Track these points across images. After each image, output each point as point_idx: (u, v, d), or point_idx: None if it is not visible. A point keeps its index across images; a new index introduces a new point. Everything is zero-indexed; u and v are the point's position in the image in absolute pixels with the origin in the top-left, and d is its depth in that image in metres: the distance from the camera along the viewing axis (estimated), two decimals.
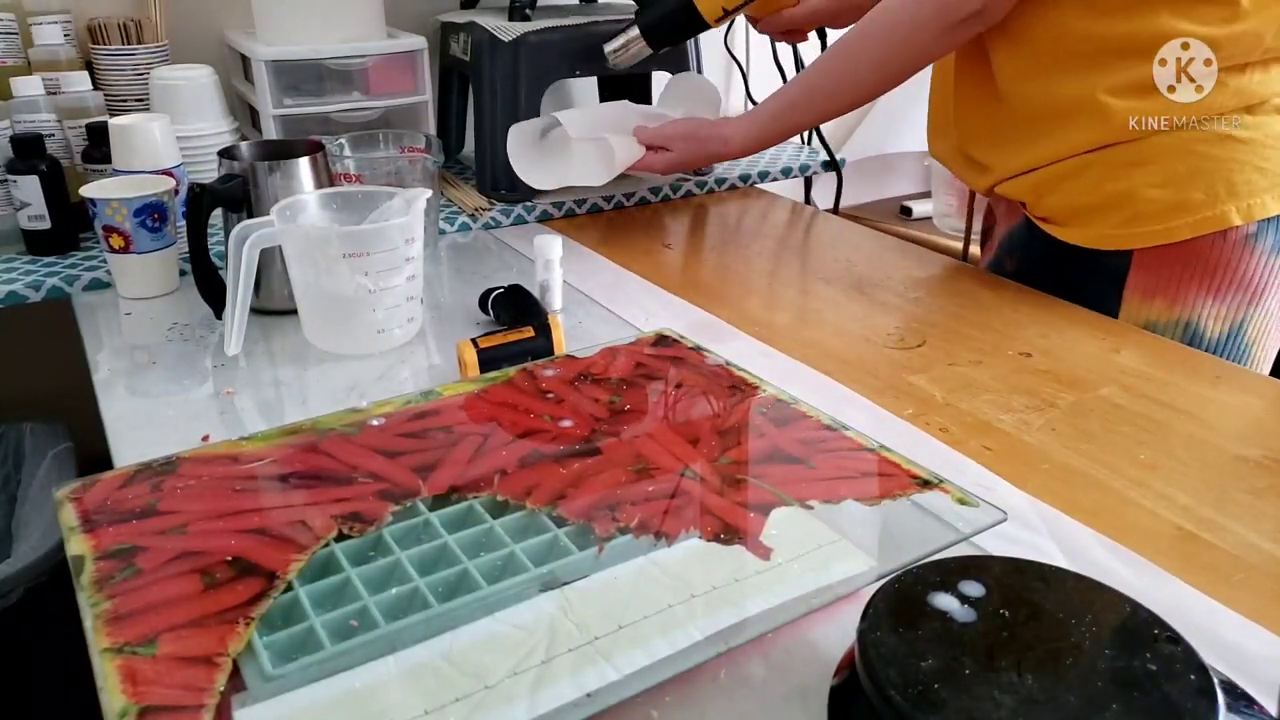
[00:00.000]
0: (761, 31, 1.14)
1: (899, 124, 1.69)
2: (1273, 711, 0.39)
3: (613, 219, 1.17)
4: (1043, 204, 0.90)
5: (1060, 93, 0.84)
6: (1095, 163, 0.84)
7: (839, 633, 0.48)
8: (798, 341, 0.82)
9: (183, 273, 0.94)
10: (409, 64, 1.17)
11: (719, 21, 1.03)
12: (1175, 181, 0.81)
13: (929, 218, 1.70)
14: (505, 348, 0.73)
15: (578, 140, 1.06)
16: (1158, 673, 0.37)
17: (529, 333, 0.75)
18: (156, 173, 0.94)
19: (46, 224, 0.98)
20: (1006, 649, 0.38)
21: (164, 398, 0.73)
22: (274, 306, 0.85)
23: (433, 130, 1.21)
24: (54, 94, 1.04)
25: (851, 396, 0.73)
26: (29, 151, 0.96)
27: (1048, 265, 0.93)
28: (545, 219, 1.15)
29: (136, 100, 1.13)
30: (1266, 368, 0.90)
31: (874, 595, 0.42)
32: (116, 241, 0.88)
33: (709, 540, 0.52)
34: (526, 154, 1.10)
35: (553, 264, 0.87)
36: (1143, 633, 0.39)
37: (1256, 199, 0.81)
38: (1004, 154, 0.91)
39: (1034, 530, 0.57)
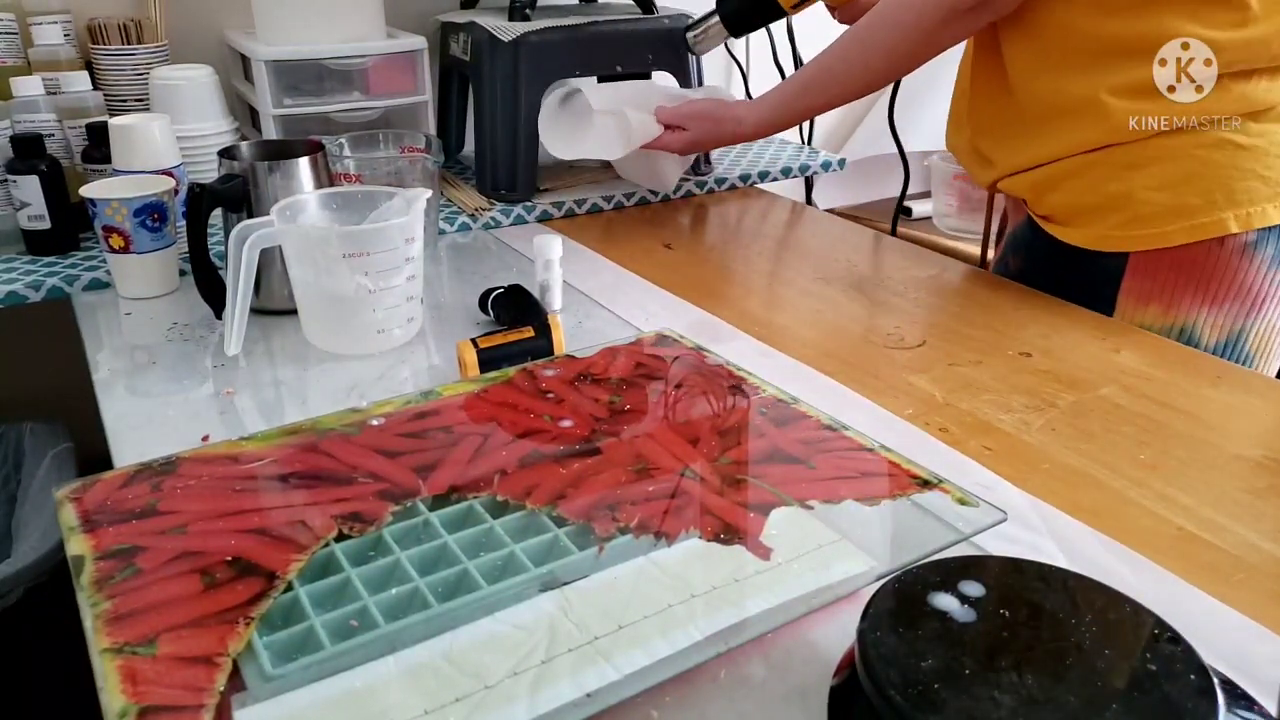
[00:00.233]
0: (841, 20, 1.13)
1: (899, 124, 1.68)
2: (1273, 711, 0.39)
3: (613, 219, 1.17)
4: (1044, 202, 0.90)
5: (1065, 90, 0.84)
6: (1096, 163, 0.84)
7: (839, 633, 0.48)
8: (798, 341, 0.82)
9: (183, 273, 0.94)
10: (409, 64, 1.17)
11: (795, 9, 1.06)
12: (1173, 185, 0.81)
13: (929, 217, 1.70)
14: (505, 348, 0.73)
15: (598, 113, 1.06)
16: (1158, 673, 0.37)
17: (529, 333, 0.75)
18: (156, 173, 0.94)
19: (46, 224, 0.98)
20: (1006, 649, 0.38)
21: (164, 398, 0.73)
22: (274, 306, 0.85)
23: (433, 130, 1.21)
24: (54, 94, 1.04)
25: (851, 396, 0.73)
26: (29, 151, 0.96)
27: (1048, 265, 0.94)
28: (545, 219, 1.15)
29: (136, 100, 1.13)
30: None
31: (874, 595, 0.42)
32: (116, 241, 0.88)
33: (709, 540, 0.52)
34: (548, 118, 1.10)
35: (553, 264, 0.87)
36: (1143, 632, 0.39)
37: (1256, 207, 0.80)
38: (1009, 149, 0.91)
39: (1034, 530, 0.57)
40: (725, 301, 0.91)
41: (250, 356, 0.79)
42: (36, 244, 0.99)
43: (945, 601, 0.41)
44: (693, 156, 1.23)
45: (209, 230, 0.81)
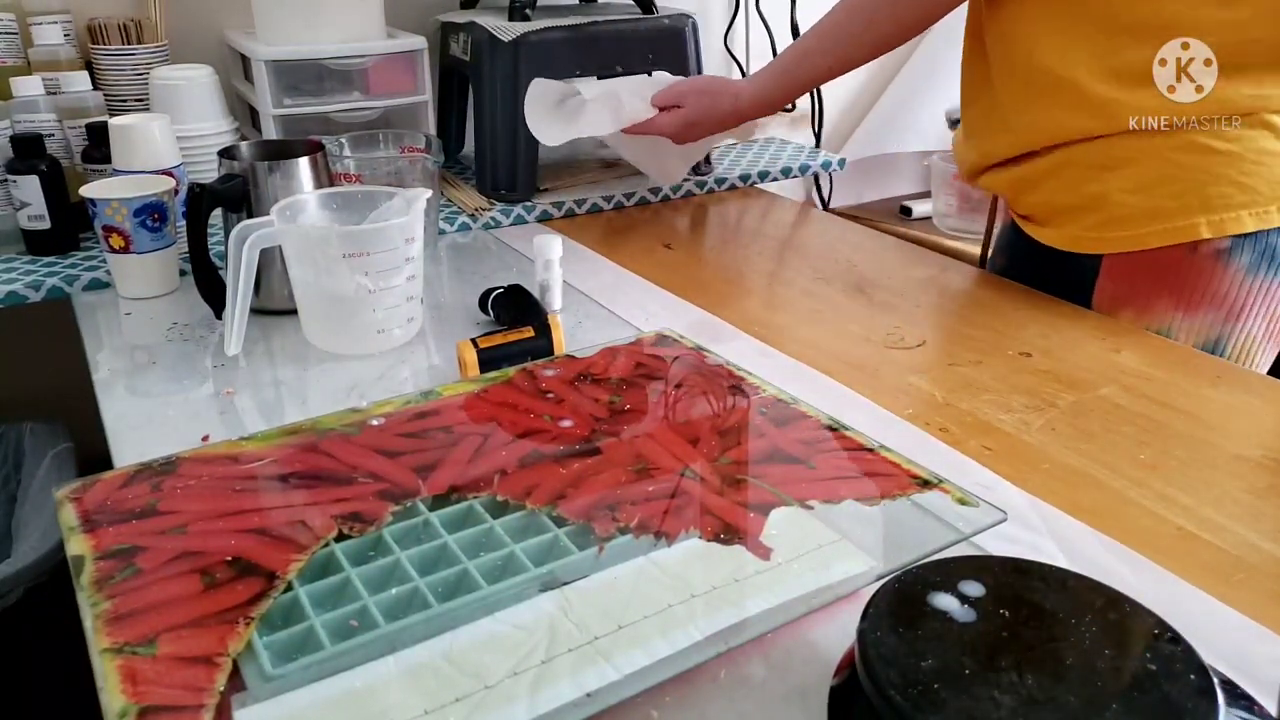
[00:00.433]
0: None
1: (899, 124, 1.69)
2: (1273, 711, 0.39)
3: (613, 219, 1.17)
4: (1023, 201, 0.90)
5: (1045, 68, 0.82)
6: (1072, 162, 0.83)
7: (839, 633, 0.48)
8: (798, 341, 0.82)
9: (183, 273, 0.94)
10: (409, 64, 1.17)
11: None
12: (1147, 187, 0.80)
13: (929, 217, 1.70)
14: (505, 348, 0.73)
15: (591, 100, 1.04)
16: (1158, 673, 0.37)
17: (529, 333, 0.75)
18: (156, 173, 0.94)
19: (46, 224, 0.98)
20: (1006, 649, 0.38)
21: (164, 398, 0.73)
22: (274, 306, 0.85)
23: (433, 130, 1.21)
24: (54, 94, 1.04)
25: (851, 396, 0.73)
26: (29, 151, 0.96)
27: (1029, 265, 0.94)
28: (545, 219, 1.15)
29: (136, 100, 1.13)
30: None
31: (874, 595, 0.42)
32: (116, 241, 0.88)
33: (709, 540, 0.52)
34: (540, 111, 1.08)
35: (553, 264, 0.87)
36: (1143, 632, 0.39)
37: (1231, 214, 0.78)
38: (990, 137, 0.90)
39: (1034, 530, 0.57)
40: (725, 301, 0.91)
41: (250, 356, 0.79)
42: (36, 244, 0.99)
43: (945, 601, 0.41)
44: (700, 153, 1.21)
45: (209, 230, 0.81)
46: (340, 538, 0.52)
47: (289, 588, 0.48)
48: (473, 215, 1.12)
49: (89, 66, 1.12)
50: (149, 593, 0.47)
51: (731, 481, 0.57)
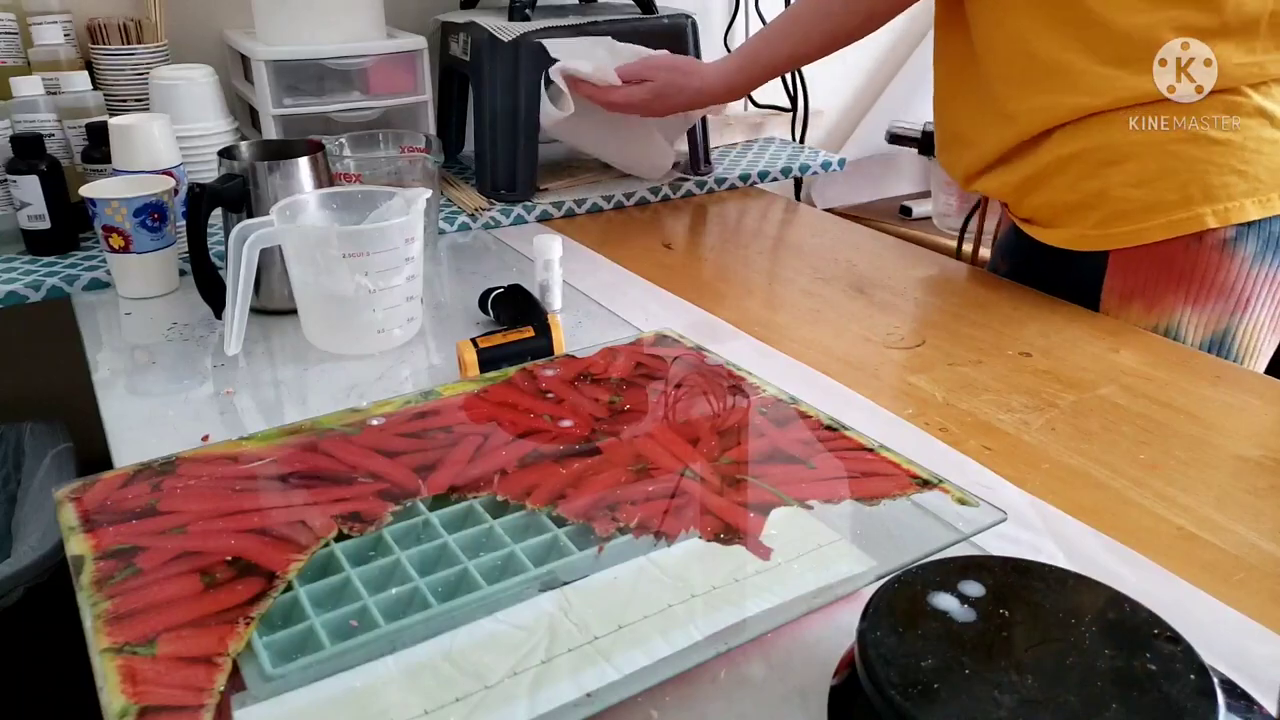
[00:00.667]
0: None
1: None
2: (1273, 711, 0.39)
3: (613, 219, 1.17)
4: (1024, 205, 0.90)
5: (1032, 53, 0.82)
6: (1072, 160, 0.83)
7: (839, 633, 0.48)
8: (798, 341, 0.82)
9: (183, 273, 0.94)
10: (409, 64, 1.17)
11: None
12: (1148, 181, 0.80)
13: (929, 217, 1.70)
14: (505, 348, 0.73)
15: (558, 73, 1.06)
16: (1157, 673, 0.37)
17: (529, 333, 0.75)
18: (156, 173, 0.94)
19: (46, 224, 0.98)
20: (1006, 649, 0.38)
21: (164, 398, 0.73)
22: (274, 306, 0.85)
23: (433, 130, 1.21)
24: (54, 94, 1.04)
25: (851, 396, 0.73)
26: (29, 151, 0.96)
27: (1033, 268, 0.94)
28: (545, 219, 1.15)
29: (136, 100, 1.13)
30: None
31: (874, 595, 0.42)
32: (116, 241, 0.88)
33: (709, 540, 0.52)
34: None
35: (552, 264, 0.87)
36: (1143, 632, 0.39)
37: (1235, 203, 0.79)
38: (980, 135, 0.90)
39: (1034, 530, 0.57)
40: (725, 301, 0.91)
41: (250, 356, 0.79)
42: (36, 244, 0.99)
43: (945, 601, 0.41)
44: (683, 138, 1.22)
45: (209, 230, 0.81)
46: (340, 538, 0.52)
47: (289, 588, 0.48)
48: (473, 215, 1.12)
49: (89, 66, 1.12)
50: (149, 593, 0.47)
51: (731, 481, 0.57)
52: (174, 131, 0.99)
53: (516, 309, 0.82)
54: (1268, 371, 0.87)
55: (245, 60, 1.17)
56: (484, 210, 1.13)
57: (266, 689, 0.42)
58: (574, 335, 0.82)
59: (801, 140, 1.63)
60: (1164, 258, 0.82)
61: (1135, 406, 0.71)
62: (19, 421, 1.13)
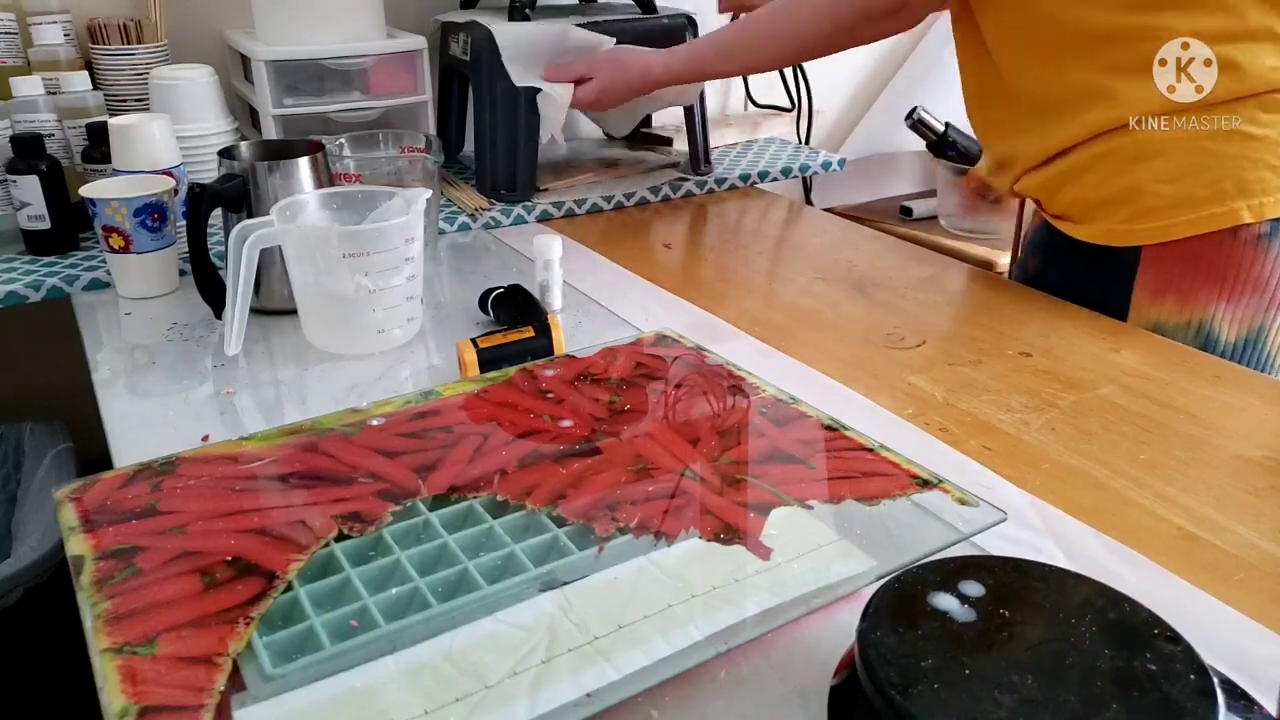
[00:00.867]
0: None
1: (899, 124, 1.69)
2: (1273, 711, 0.39)
3: (613, 219, 1.17)
4: (1056, 201, 0.90)
5: (1065, 79, 0.83)
6: (1105, 156, 0.83)
7: (839, 633, 0.48)
8: (798, 341, 0.82)
9: (183, 273, 0.94)
10: (409, 64, 1.17)
11: None
12: (1180, 177, 0.80)
13: (929, 217, 1.70)
14: (505, 348, 0.73)
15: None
16: (1157, 673, 0.37)
17: (529, 333, 0.75)
18: (156, 173, 0.94)
19: (46, 224, 0.98)
20: (1006, 649, 0.38)
21: (164, 398, 0.73)
22: (274, 306, 0.85)
23: (433, 130, 1.21)
24: (54, 94, 1.04)
25: (851, 396, 0.73)
26: (29, 151, 0.96)
27: (1063, 264, 0.93)
28: (545, 219, 1.15)
29: (136, 100, 1.13)
30: None
31: (874, 595, 0.42)
32: (116, 241, 0.88)
33: (709, 540, 0.52)
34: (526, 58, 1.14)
35: (552, 264, 0.87)
36: (1143, 632, 0.39)
37: (1270, 197, 0.78)
38: (1020, 146, 0.91)
39: (1034, 530, 0.57)
40: (725, 301, 0.91)
41: (250, 356, 0.79)
42: (36, 244, 0.99)
43: (945, 601, 0.41)
44: (642, 111, 1.26)
45: (209, 230, 0.81)
46: (340, 538, 0.52)
47: (289, 588, 0.48)
48: (473, 215, 1.12)
49: (89, 66, 1.12)
50: (149, 593, 0.47)
51: (731, 481, 0.57)
52: (174, 131, 0.99)
53: (516, 309, 0.82)
54: None
55: (245, 60, 1.17)
56: (484, 210, 1.13)
57: (266, 689, 0.42)
58: (574, 335, 0.82)
59: (807, 141, 1.63)
60: (1198, 253, 0.82)
61: (1135, 406, 0.71)
62: (19, 421, 1.13)
